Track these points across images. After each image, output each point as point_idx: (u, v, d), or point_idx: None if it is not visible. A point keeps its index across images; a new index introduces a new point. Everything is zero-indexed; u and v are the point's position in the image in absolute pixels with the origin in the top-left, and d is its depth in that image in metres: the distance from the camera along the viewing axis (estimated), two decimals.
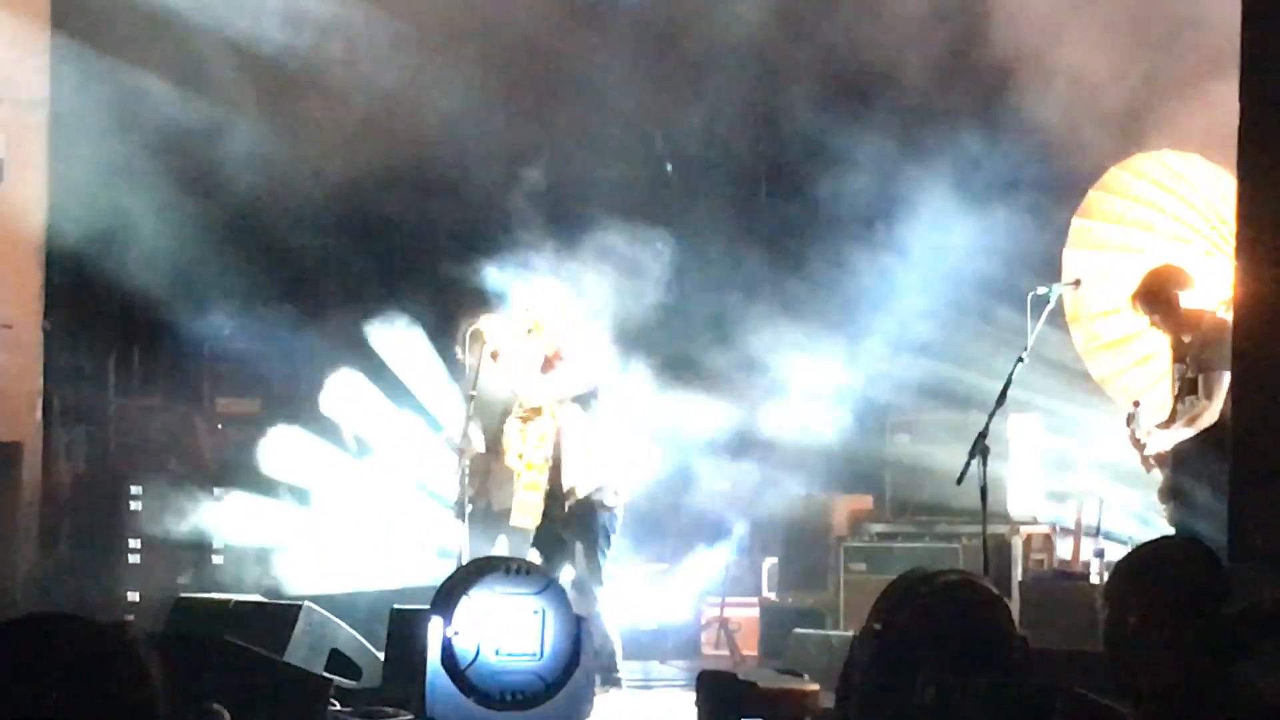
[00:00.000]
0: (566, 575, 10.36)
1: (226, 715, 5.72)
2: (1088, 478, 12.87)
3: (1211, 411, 10.01)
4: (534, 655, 9.07)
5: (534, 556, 10.42)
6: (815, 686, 8.33)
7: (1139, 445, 10.42)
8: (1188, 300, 10.37)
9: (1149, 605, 4.16)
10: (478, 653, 9.00)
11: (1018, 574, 12.12)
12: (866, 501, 13.61)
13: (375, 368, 13.27)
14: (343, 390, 13.34)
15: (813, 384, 13.35)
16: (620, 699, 10.49)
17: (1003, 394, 9.71)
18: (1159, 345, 10.77)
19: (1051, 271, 11.30)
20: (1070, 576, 12.09)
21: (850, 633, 9.42)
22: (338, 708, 9.26)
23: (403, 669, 9.36)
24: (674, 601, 13.74)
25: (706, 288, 13.91)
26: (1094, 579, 11.53)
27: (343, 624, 10.11)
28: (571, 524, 10.61)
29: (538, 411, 10.65)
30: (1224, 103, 8.08)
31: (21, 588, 13.23)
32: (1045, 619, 10.42)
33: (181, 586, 13.12)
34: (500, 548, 11.41)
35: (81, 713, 2.76)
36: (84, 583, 13.39)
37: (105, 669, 2.80)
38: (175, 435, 14.49)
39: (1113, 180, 11.73)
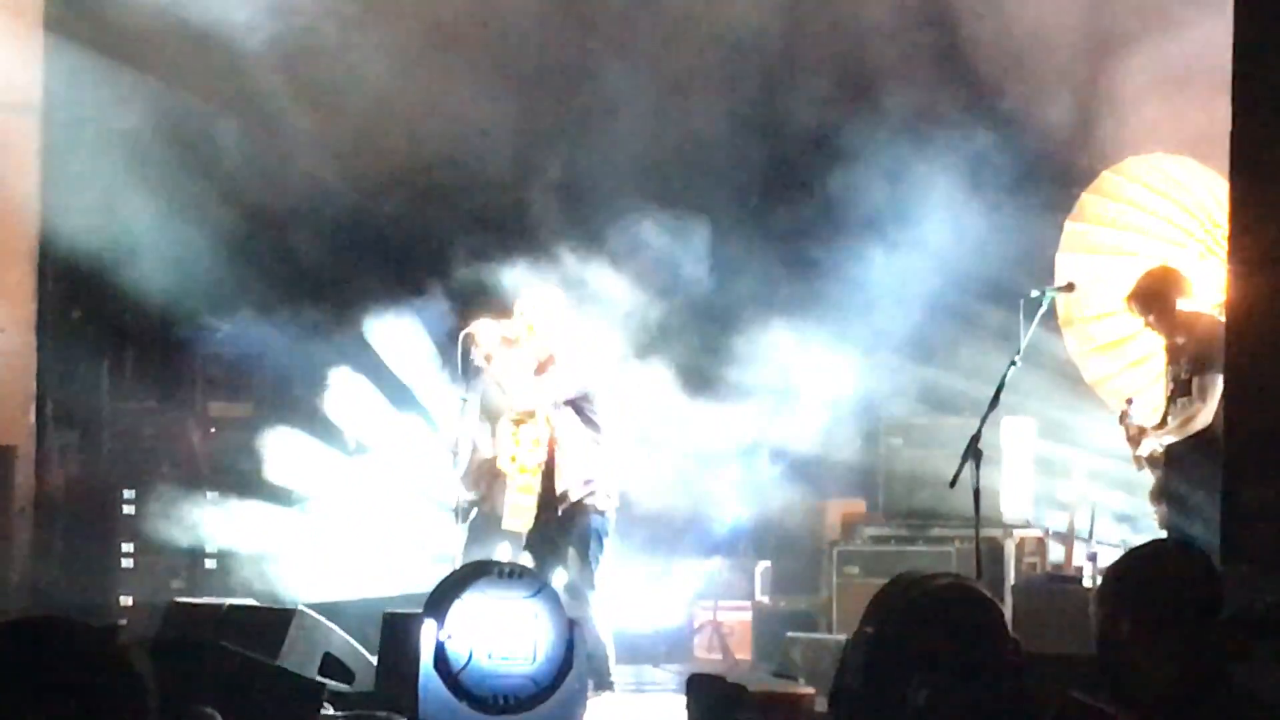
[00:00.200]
0: (559, 579, 10.35)
1: (219, 719, 5.72)
2: (1080, 481, 12.87)
3: (1205, 414, 10.02)
4: (527, 659, 9.06)
5: (526, 560, 10.41)
6: (811, 690, 8.34)
7: (1135, 442, 10.44)
8: (1183, 303, 10.39)
9: (1142, 609, 4.15)
10: (470, 656, 8.99)
11: (1010, 578, 12.12)
12: (859, 505, 13.62)
13: (372, 370, 13.26)
14: (344, 392, 13.33)
15: (806, 388, 13.35)
16: (613, 703, 10.47)
17: (995, 397, 9.71)
18: (1153, 347, 10.78)
19: (1044, 274, 11.31)
20: (1063, 580, 12.09)
21: (843, 636, 9.44)
22: (331, 711, 9.24)
23: (396, 673, 9.34)
24: (667, 605, 13.74)
25: (698, 294, 13.90)
26: (1087, 583, 11.53)
27: (336, 628, 10.10)
28: (564, 528, 10.60)
29: (531, 415, 10.64)
30: (1218, 105, 8.09)
31: (15, 592, 13.21)
32: (1038, 623, 10.41)
33: (175, 590, 13.11)
34: (503, 553, 11.38)
35: (72, 716, 2.76)
36: (77, 587, 13.38)
37: (96, 673, 2.80)
38: (168, 439, 14.47)
39: (1105, 183, 11.75)
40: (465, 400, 10.67)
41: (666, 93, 14.25)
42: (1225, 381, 8.53)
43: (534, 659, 9.06)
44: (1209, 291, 10.61)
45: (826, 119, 13.89)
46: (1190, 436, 10.16)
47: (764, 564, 14.07)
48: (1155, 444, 10.33)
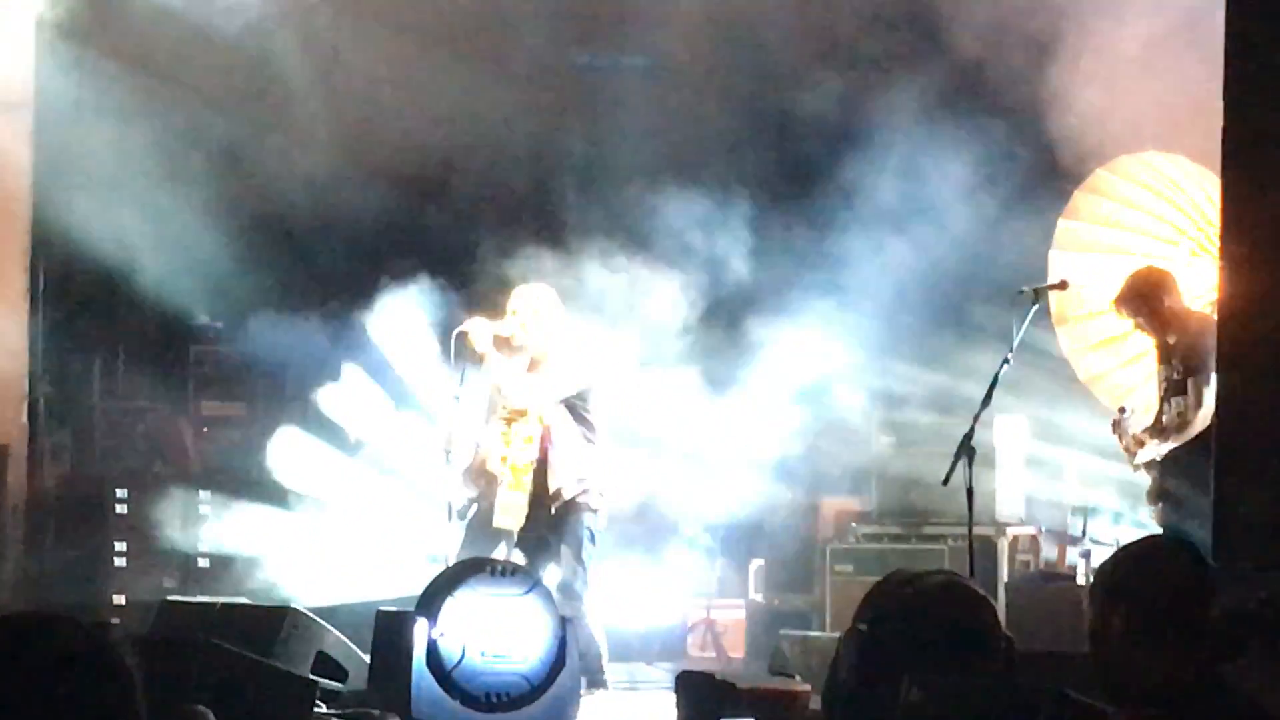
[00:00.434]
0: (552, 577, 10.35)
1: (211, 717, 5.71)
2: (1074, 479, 12.88)
3: (1203, 416, 10.01)
4: (520, 657, 9.06)
5: (518, 558, 10.41)
6: (806, 687, 8.33)
7: (1130, 452, 10.44)
8: (1173, 302, 10.39)
9: (1135, 606, 4.15)
10: (463, 654, 8.99)
11: (1004, 575, 12.13)
12: (853, 503, 13.62)
13: (369, 367, 13.26)
14: (344, 388, 13.32)
15: (798, 386, 13.35)
16: (606, 701, 10.47)
17: (988, 395, 9.71)
18: (1147, 345, 10.79)
19: (1038, 273, 11.31)
20: (1056, 578, 12.11)
21: (836, 634, 9.45)
22: (323, 710, 9.24)
23: (388, 671, 9.34)
24: (660, 603, 13.74)
25: (690, 290, 13.88)
26: (1080, 580, 11.54)
27: (329, 626, 10.09)
28: (557, 526, 10.60)
29: (522, 413, 10.63)
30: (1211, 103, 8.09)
31: (7, 591, 13.20)
32: (1031, 620, 10.42)
33: (167, 589, 13.10)
34: (500, 552, 11.36)
35: (60, 713, 2.76)
36: (70, 585, 13.36)
37: (85, 669, 2.79)
38: (161, 438, 14.46)
39: (1099, 182, 11.76)
40: (459, 398, 10.65)
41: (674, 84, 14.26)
42: (1217, 380, 8.53)
43: (527, 657, 9.07)
44: (1201, 289, 10.62)
45: (820, 113, 13.88)
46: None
47: (758, 562, 14.08)
48: (1155, 453, 10.33)
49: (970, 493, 9.53)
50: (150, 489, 13.94)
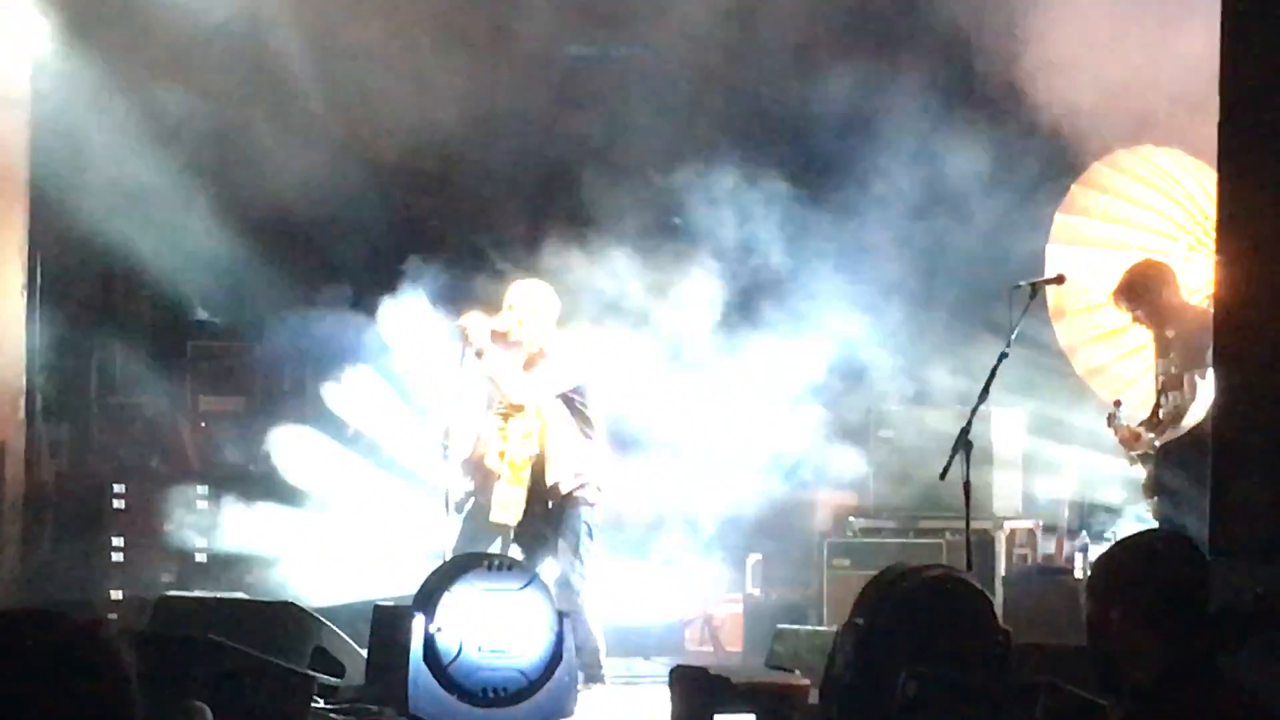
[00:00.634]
0: (549, 571, 10.35)
1: (209, 712, 5.72)
2: (1071, 473, 12.88)
3: (1198, 410, 10.02)
4: (517, 652, 9.06)
5: (516, 553, 10.41)
6: (805, 682, 8.32)
7: (1126, 444, 10.45)
8: (1171, 295, 10.40)
9: (1132, 600, 4.16)
10: (460, 649, 8.99)
11: (1001, 569, 12.13)
12: (850, 497, 13.61)
13: (367, 362, 13.25)
14: (347, 384, 13.31)
15: (796, 380, 13.34)
16: (603, 695, 10.47)
17: (985, 389, 9.72)
18: (1144, 339, 10.80)
19: (1035, 267, 11.31)
20: (1053, 572, 12.12)
21: (834, 628, 9.45)
22: (321, 705, 9.24)
23: (386, 666, 9.34)
24: (658, 598, 13.73)
25: (690, 288, 13.87)
26: (1077, 574, 11.55)
27: (326, 621, 10.10)
28: (554, 520, 10.60)
29: (518, 409, 10.63)
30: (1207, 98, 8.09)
31: (4, 587, 13.19)
32: (1028, 614, 10.44)
33: (165, 585, 13.09)
34: (497, 547, 11.36)
35: (55, 709, 2.75)
36: (67, 582, 13.35)
37: (79, 665, 2.79)
38: (158, 433, 14.45)
39: (1096, 175, 11.77)
40: (456, 392, 10.65)
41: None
42: (1214, 374, 8.53)
43: (524, 652, 9.07)
44: (1198, 284, 10.63)
45: (816, 101, 13.86)
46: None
47: (755, 557, 14.06)
48: (1152, 447, 10.34)
49: (968, 487, 9.53)
50: (148, 484, 13.93)
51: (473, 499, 10.75)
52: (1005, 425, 12.37)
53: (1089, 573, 4.25)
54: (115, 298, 14.51)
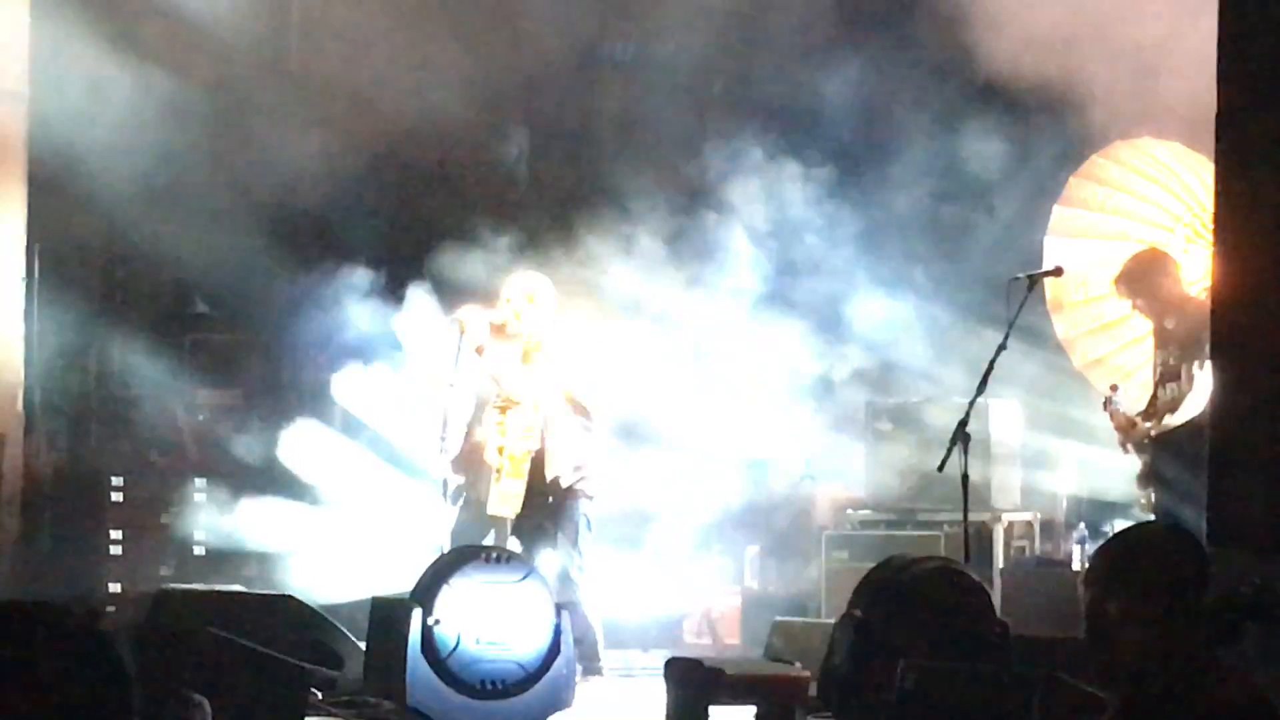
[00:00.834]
0: (548, 564, 10.35)
1: (207, 705, 5.72)
2: (1070, 465, 12.88)
3: (1195, 400, 10.02)
4: (515, 644, 9.06)
5: (514, 545, 10.41)
6: (806, 673, 8.31)
7: (1122, 430, 10.45)
8: (1172, 286, 10.40)
9: (1130, 591, 4.16)
10: (458, 642, 8.99)
11: (999, 561, 12.13)
12: (848, 490, 13.61)
13: (365, 356, 13.25)
14: (347, 379, 13.31)
15: (794, 372, 13.34)
16: (602, 688, 10.47)
17: (983, 381, 9.71)
18: (1143, 331, 10.80)
19: (1034, 259, 11.31)
20: (1052, 563, 12.11)
21: (832, 620, 9.46)
22: (319, 697, 9.24)
23: (384, 659, 9.34)
24: (656, 590, 13.73)
25: (688, 286, 13.88)
26: (1075, 566, 11.55)
27: (325, 614, 10.10)
28: (554, 513, 10.60)
29: (516, 402, 10.63)
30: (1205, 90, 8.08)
31: (3, 580, 13.18)
32: (1026, 606, 10.42)
33: (164, 578, 13.10)
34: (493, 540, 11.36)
35: (52, 701, 2.75)
36: (66, 574, 13.35)
37: (77, 658, 2.79)
38: (157, 426, 14.44)
39: (1094, 168, 11.76)
40: (453, 385, 10.64)
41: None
42: (1212, 366, 8.53)
43: (522, 644, 9.07)
44: (1196, 275, 10.63)
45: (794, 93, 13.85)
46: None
47: (753, 549, 14.06)
48: (1147, 436, 10.34)
49: (965, 478, 9.53)
50: (147, 477, 13.94)
51: (464, 494, 10.74)
52: (1003, 418, 12.37)
53: (1087, 564, 4.25)
54: (113, 290, 14.49)
